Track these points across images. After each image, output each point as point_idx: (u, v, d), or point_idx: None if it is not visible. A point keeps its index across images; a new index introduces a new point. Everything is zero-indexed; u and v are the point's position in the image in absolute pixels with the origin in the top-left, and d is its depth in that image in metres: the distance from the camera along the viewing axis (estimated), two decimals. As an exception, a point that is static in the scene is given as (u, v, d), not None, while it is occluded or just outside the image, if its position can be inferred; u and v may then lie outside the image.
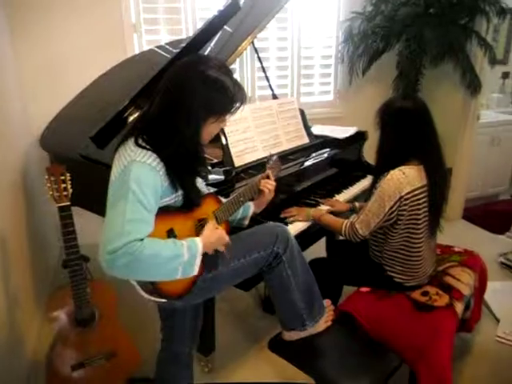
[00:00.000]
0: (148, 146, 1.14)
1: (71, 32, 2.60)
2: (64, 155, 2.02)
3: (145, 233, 1.07)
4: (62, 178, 1.54)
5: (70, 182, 1.56)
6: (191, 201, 1.25)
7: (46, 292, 2.36)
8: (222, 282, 1.38)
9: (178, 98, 1.15)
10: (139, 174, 1.09)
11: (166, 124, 1.16)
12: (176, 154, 1.16)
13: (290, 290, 1.43)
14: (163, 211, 1.18)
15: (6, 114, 2.10)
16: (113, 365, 1.68)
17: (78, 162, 1.86)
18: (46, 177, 1.52)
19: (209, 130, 1.22)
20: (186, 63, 1.20)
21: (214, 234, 1.24)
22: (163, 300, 1.26)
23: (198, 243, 1.17)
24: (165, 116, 1.17)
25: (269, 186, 1.52)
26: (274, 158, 1.64)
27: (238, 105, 1.22)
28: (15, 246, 1.97)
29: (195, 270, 1.16)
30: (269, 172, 1.55)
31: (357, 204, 2.06)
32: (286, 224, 1.78)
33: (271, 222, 1.57)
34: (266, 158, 1.66)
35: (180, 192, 1.22)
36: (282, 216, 1.85)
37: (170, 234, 1.19)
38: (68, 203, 1.55)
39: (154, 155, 1.13)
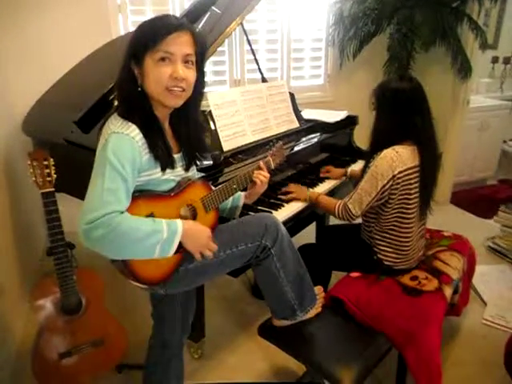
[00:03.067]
0: (126, 115, 1.12)
1: (53, 13, 2.51)
2: (48, 140, 1.96)
3: (124, 204, 1.05)
4: (46, 163, 1.50)
5: (53, 168, 1.52)
6: (160, 160, 1.17)
7: (32, 280, 2.32)
8: (207, 273, 1.33)
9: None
10: (117, 144, 1.07)
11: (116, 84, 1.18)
12: (125, 103, 1.14)
13: (280, 283, 1.40)
14: (144, 195, 1.15)
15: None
16: (101, 352, 1.67)
17: (62, 147, 1.81)
18: (29, 162, 1.48)
19: (154, 72, 1.11)
20: None
21: (198, 226, 1.21)
22: (143, 286, 1.23)
23: (178, 223, 1.14)
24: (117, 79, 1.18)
25: (261, 177, 1.45)
26: (278, 144, 1.58)
27: (162, 30, 1.10)
28: (-1, 234, 1.92)
29: (173, 250, 1.12)
30: (262, 164, 1.48)
31: (349, 170, 2.10)
32: (275, 209, 1.76)
33: (261, 213, 1.53)
34: (260, 141, 1.60)
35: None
36: (282, 192, 1.85)
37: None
38: (52, 189, 1.51)
39: (134, 126, 1.10)
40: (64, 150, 1.82)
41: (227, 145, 1.83)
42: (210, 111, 1.82)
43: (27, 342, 1.80)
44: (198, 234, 1.20)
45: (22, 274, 2.19)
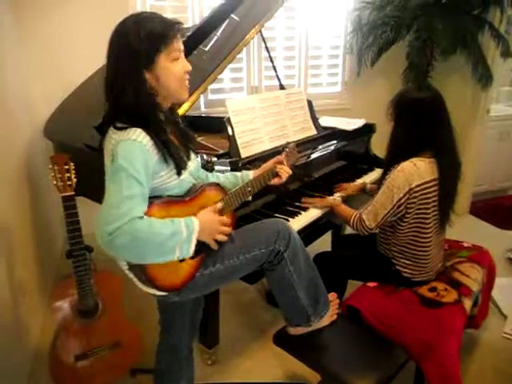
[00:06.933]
0: (126, 125, 1.11)
1: (75, 20, 2.56)
2: (69, 145, 2.00)
3: (142, 208, 1.06)
4: (66, 167, 1.52)
5: (74, 172, 1.54)
6: (176, 160, 1.17)
7: (51, 282, 2.35)
8: (221, 279, 1.34)
9: (110, 65, 1.14)
10: (126, 150, 1.07)
11: (116, 91, 1.13)
12: (138, 108, 1.12)
13: (293, 287, 1.40)
14: (160, 201, 1.15)
15: (9, 103, 2.08)
16: (117, 355, 1.68)
17: (83, 152, 1.84)
18: (50, 166, 1.50)
19: (172, 70, 1.14)
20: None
21: (206, 215, 1.21)
22: (161, 293, 1.24)
23: (194, 220, 1.15)
24: (111, 86, 1.14)
25: (286, 174, 1.49)
26: (291, 145, 1.59)
27: (171, 29, 1.12)
28: (20, 236, 1.96)
29: (191, 249, 1.12)
30: (282, 157, 1.50)
31: (368, 185, 2.06)
32: (292, 216, 1.76)
33: (272, 218, 1.54)
34: (277, 148, 1.61)
35: (173, 165, 1.18)
36: (303, 204, 1.86)
37: None
38: (72, 193, 1.53)
39: (139, 130, 1.10)
40: (84, 154, 1.85)
41: (245, 151, 1.84)
42: (229, 118, 1.83)
43: (45, 343, 1.83)
44: (209, 223, 1.21)
45: (41, 275, 2.23)
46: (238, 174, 1.51)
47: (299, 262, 1.39)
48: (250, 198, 1.47)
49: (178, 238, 1.09)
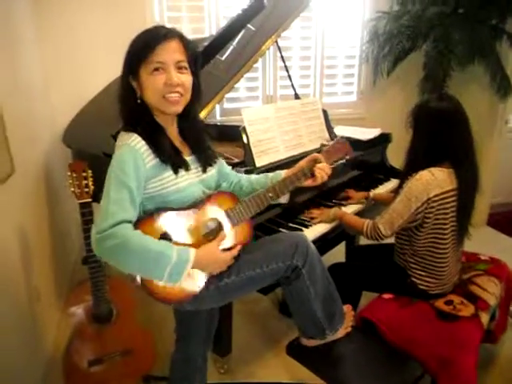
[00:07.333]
0: (130, 128, 1.16)
1: (94, 29, 2.61)
2: (87, 152, 2.03)
3: (130, 213, 1.06)
4: (84, 174, 1.55)
5: (91, 179, 1.56)
6: (169, 162, 1.17)
7: (66, 287, 2.38)
8: (236, 291, 1.31)
9: None
10: (119, 155, 1.10)
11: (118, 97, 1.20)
12: (128, 116, 1.18)
13: (310, 301, 1.37)
14: (159, 211, 1.14)
15: (30, 110, 2.13)
16: (130, 361, 1.69)
17: (100, 159, 1.86)
18: (68, 173, 1.53)
19: (150, 82, 1.14)
20: None
21: (213, 255, 1.18)
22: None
23: (190, 252, 1.10)
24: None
25: (324, 173, 1.37)
26: (341, 138, 1.46)
27: (151, 41, 1.13)
28: (37, 241, 1.99)
29: (180, 280, 1.09)
30: (318, 155, 1.39)
31: (371, 194, 2.05)
32: (306, 226, 1.75)
33: (291, 231, 1.51)
34: (293, 157, 1.55)
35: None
36: (304, 218, 1.82)
37: (164, 238, 1.13)
38: (89, 200, 1.56)
39: (135, 135, 1.13)
40: (101, 161, 1.87)
41: (260, 160, 1.84)
42: (244, 127, 1.84)
43: (60, 347, 1.85)
44: (211, 263, 1.19)
45: (57, 280, 2.25)
46: (270, 174, 1.44)
47: (316, 276, 1.36)
48: (286, 200, 1.41)
49: (166, 261, 1.06)
